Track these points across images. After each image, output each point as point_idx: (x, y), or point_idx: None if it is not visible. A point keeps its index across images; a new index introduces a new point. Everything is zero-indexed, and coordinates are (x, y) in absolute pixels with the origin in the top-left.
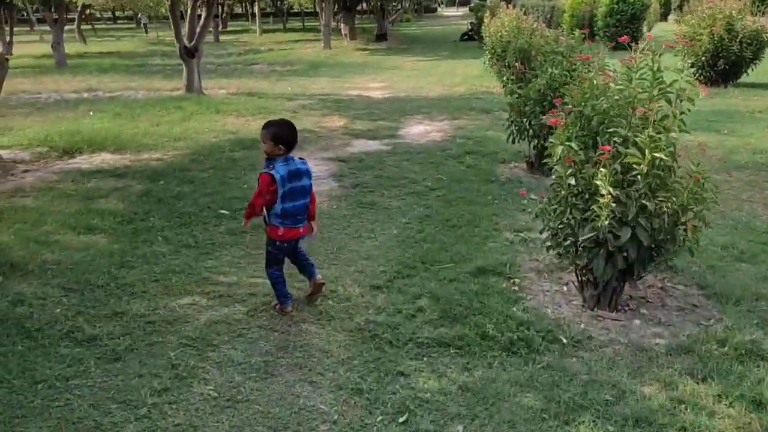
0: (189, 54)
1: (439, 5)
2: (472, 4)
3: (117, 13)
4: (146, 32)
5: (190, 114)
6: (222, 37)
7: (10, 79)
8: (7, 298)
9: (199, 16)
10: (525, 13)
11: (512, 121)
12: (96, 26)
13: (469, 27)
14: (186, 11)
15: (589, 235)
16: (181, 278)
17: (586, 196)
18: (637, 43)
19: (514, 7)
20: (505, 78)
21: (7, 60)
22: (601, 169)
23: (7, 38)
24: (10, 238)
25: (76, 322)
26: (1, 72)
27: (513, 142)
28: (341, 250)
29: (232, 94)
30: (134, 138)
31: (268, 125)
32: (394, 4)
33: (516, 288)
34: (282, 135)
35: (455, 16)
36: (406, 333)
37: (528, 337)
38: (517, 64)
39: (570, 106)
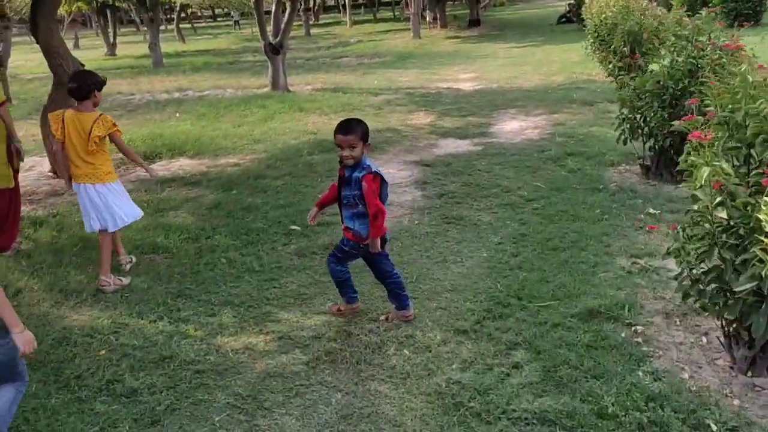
0: (274, 51)
1: None
2: None
3: (216, 11)
4: (239, 29)
5: (273, 113)
6: (313, 30)
7: (109, 80)
8: (52, 336)
9: (284, 11)
10: None
11: (624, 118)
12: (196, 24)
13: (567, 9)
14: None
15: (748, 286)
16: (240, 313)
17: (742, 231)
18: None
19: None
20: (611, 65)
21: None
22: (766, 198)
23: (111, 40)
24: (72, 259)
25: (119, 369)
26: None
27: (625, 142)
28: (422, 278)
29: (316, 90)
30: (214, 141)
31: (350, 127)
32: None
33: (639, 340)
34: (368, 131)
35: None
36: (499, 402)
37: (662, 420)
38: (625, 49)
39: (712, 110)
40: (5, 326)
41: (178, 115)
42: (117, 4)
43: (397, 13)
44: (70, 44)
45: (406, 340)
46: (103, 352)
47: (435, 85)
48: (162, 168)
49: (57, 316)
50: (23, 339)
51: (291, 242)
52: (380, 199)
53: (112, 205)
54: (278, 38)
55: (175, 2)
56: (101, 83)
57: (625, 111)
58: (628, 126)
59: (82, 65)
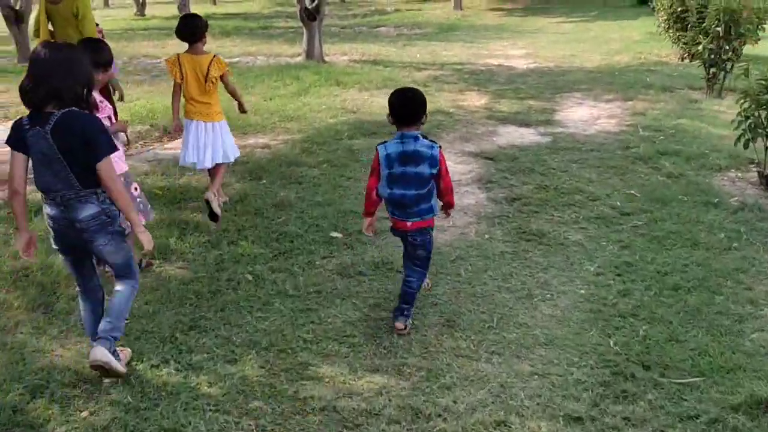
0: (310, 16)
1: None
2: None
3: None
4: None
5: (308, 86)
6: None
7: (136, 42)
8: (24, 383)
9: None
10: None
11: (747, 116)
12: None
13: None
14: None
15: None
16: (268, 361)
17: None
18: None
19: None
20: (701, 47)
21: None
22: None
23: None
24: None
25: None
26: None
27: (746, 145)
28: (503, 322)
29: (354, 62)
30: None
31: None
32: None
33: None
34: (390, 103)
35: None
36: None
37: None
38: (719, 29)
39: None
40: (122, 232)
41: None
42: None
43: None
44: (99, 2)
45: (492, 426)
46: (85, 414)
47: (484, 61)
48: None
49: (35, 350)
50: (146, 238)
51: (332, 255)
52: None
53: (226, 140)
54: (315, 2)
55: None
56: (207, 25)
57: (747, 105)
58: (751, 125)
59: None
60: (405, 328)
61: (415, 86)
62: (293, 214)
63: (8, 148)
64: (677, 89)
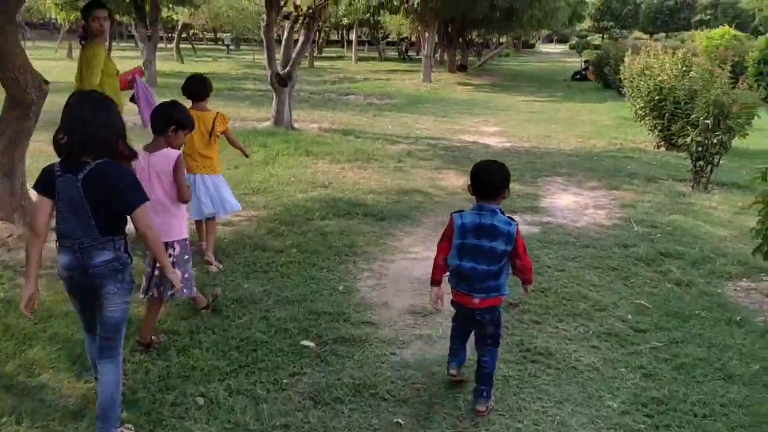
0: (281, 82)
1: (537, 41)
2: (572, 42)
3: (219, 34)
4: (230, 53)
5: (276, 155)
6: (316, 63)
7: None
8: None
9: (296, 41)
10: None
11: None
12: (197, 46)
13: (583, 66)
14: (282, 34)
15: None
16: None
17: None
18: None
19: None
20: (690, 139)
21: (47, 84)
22: None
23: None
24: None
25: None
26: (39, 98)
27: (766, 257)
28: None
29: (325, 131)
30: None
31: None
32: (495, 37)
33: None
34: (473, 176)
35: (555, 53)
36: None
37: None
38: (708, 122)
39: None
40: (131, 284)
41: None
42: (117, 18)
43: (412, 54)
44: (63, 53)
45: None
46: None
47: (458, 137)
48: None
49: None
50: (176, 277)
51: (302, 371)
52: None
53: (223, 194)
54: (287, 68)
55: (177, 21)
56: (212, 86)
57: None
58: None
59: (46, 82)
60: (486, 410)
61: (391, 161)
62: (257, 314)
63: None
64: (661, 179)
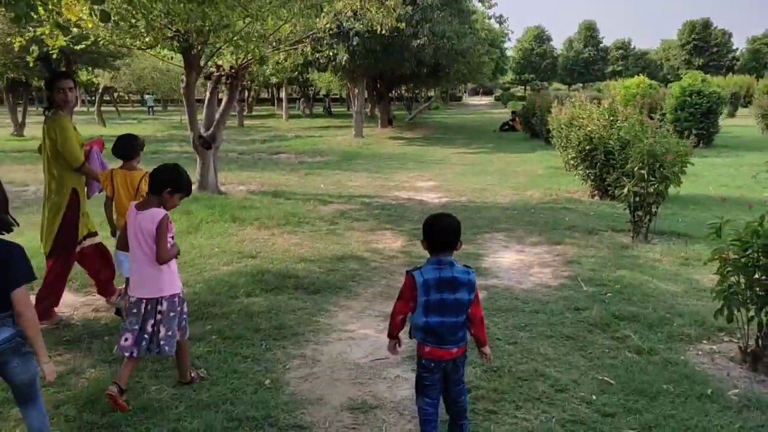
0: (205, 145)
1: (464, 94)
2: (497, 93)
3: (146, 96)
4: (153, 114)
5: (199, 223)
6: (246, 122)
7: (6, 166)
8: None
9: (220, 100)
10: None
11: (730, 285)
12: (122, 109)
13: (511, 117)
14: (205, 95)
15: None
16: None
17: None
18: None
19: (560, 102)
20: (626, 190)
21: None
22: None
23: (20, 119)
24: None
25: None
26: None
27: (730, 318)
28: None
29: (253, 193)
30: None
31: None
32: (424, 92)
33: None
34: (426, 230)
35: (482, 105)
36: None
37: None
38: (643, 171)
39: None
40: (32, 352)
41: None
42: (30, 81)
43: (334, 110)
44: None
45: None
46: None
47: (393, 193)
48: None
49: None
50: (49, 369)
51: None
52: (415, 308)
53: None
54: (211, 130)
55: (97, 84)
56: (143, 144)
57: (726, 271)
58: (736, 296)
59: None
60: None
61: (323, 224)
62: (165, 425)
63: None
64: (601, 231)
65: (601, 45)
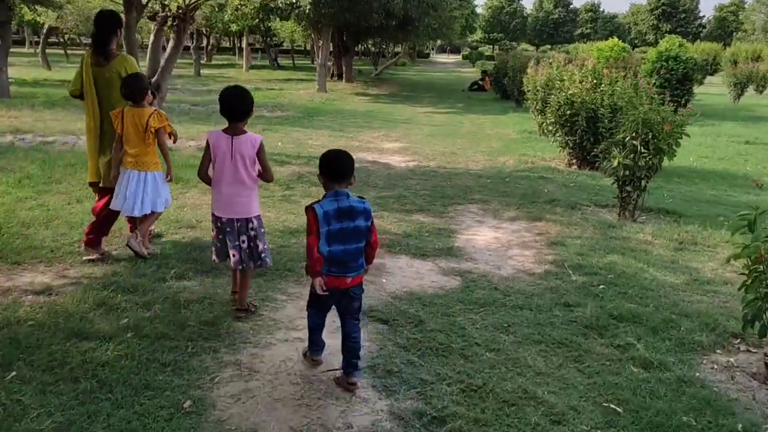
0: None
1: (432, 51)
2: (465, 52)
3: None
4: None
5: None
6: (204, 71)
7: None
8: None
9: (164, 47)
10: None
11: (763, 292)
12: (73, 51)
13: (481, 76)
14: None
15: None
16: None
17: None
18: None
19: (538, 61)
20: (616, 162)
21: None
22: None
23: None
24: None
25: None
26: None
27: (763, 333)
28: None
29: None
30: (21, 233)
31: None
32: (391, 47)
33: None
34: (322, 163)
35: (449, 63)
36: None
37: None
38: (635, 142)
39: None
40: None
41: None
42: None
43: (298, 62)
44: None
45: None
46: None
47: (357, 155)
48: None
49: None
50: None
51: None
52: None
53: (150, 192)
54: (155, 78)
55: (41, 23)
56: (149, 84)
57: (760, 271)
58: (762, 298)
59: None
60: (358, 382)
61: (278, 188)
62: None
63: None
64: (583, 206)
65: (571, 6)
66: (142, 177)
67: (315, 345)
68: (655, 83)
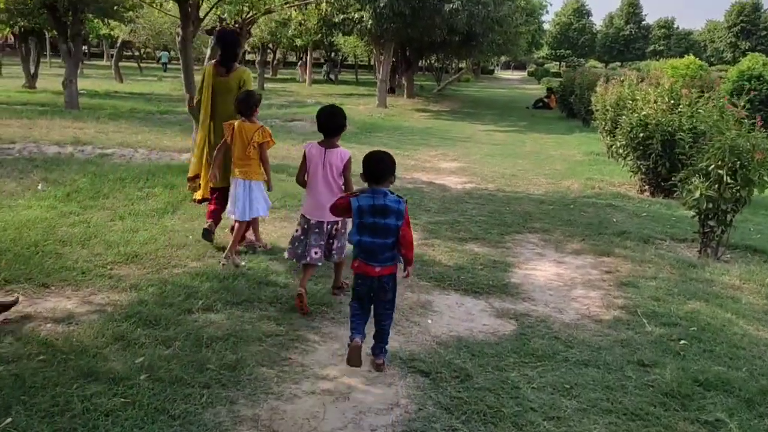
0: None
1: (496, 67)
2: (531, 69)
3: (172, 53)
4: (165, 71)
5: (181, 200)
6: (268, 85)
7: (0, 120)
8: None
9: None
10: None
11: None
12: (146, 65)
13: (546, 93)
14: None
15: None
16: None
17: None
18: None
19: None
20: (699, 193)
21: None
22: None
23: (32, 70)
24: None
25: None
26: None
27: None
28: None
29: None
30: (56, 252)
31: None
32: (455, 63)
33: None
34: (365, 163)
35: (514, 79)
36: None
37: None
38: (721, 171)
39: None
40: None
41: (40, 187)
42: (45, 31)
43: (360, 77)
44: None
45: None
46: None
47: (412, 174)
48: None
49: None
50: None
51: None
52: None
53: (254, 199)
54: None
55: (116, 36)
56: (259, 101)
57: None
58: None
59: None
60: (383, 363)
61: None
62: None
63: None
64: (658, 240)
65: (643, 23)
66: (248, 185)
67: (354, 329)
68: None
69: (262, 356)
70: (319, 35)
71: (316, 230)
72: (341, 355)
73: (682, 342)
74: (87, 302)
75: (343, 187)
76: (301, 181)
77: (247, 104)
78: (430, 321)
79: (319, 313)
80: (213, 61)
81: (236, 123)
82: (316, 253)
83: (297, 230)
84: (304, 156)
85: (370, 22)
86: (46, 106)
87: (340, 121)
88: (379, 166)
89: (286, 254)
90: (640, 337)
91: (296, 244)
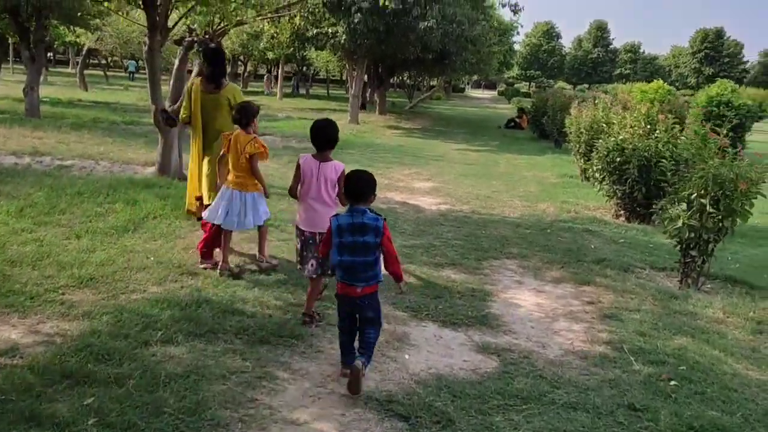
0: (168, 121)
1: (467, 86)
2: (501, 88)
3: (140, 62)
4: (132, 80)
5: (143, 217)
6: None
7: None
8: None
9: (190, 71)
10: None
11: None
12: (113, 73)
13: (518, 114)
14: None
15: None
16: None
17: None
18: None
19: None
20: (680, 221)
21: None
22: None
23: None
24: None
25: None
26: None
27: None
28: None
29: None
30: (3, 273)
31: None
32: (427, 80)
33: None
34: (345, 184)
35: (484, 98)
36: None
37: None
38: (704, 201)
39: None
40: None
41: None
42: (7, 36)
43: (332, 92)
44: None
45: None
46: None
47: (384, 194)
48: None
49: None
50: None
51: None
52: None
53: (258, 207)
54: (177, 105)
55: (80, 44)
56: (257, 112)
57: None
58: None
59: None
60: (364, 371)
61: (290, 235)
62: None
63: None
64: (637, 268)
65: (610, 46)
66: (243, 197)
67: (344, 353)
68: (727, 133)
69: (225, 397)
70: (292, 49)
71: (311, 242)
72: (312, 396)
73: (673, 383)
74: (34, 332)
75: (336, 199)
76: (294, 193)
77: (246, 114)
78: (407, 356)
79: (289, 347)
80: (199, 78)
81: (234, 134)
82: (312, 265)
83: (297, 243)
84: (298, 168)
85: (344, 37)
86: (6, 114)
87: (333, 134)
88: (359, 185)
89: (298, 266)
90: (628, 376)
91: (303, 255)
